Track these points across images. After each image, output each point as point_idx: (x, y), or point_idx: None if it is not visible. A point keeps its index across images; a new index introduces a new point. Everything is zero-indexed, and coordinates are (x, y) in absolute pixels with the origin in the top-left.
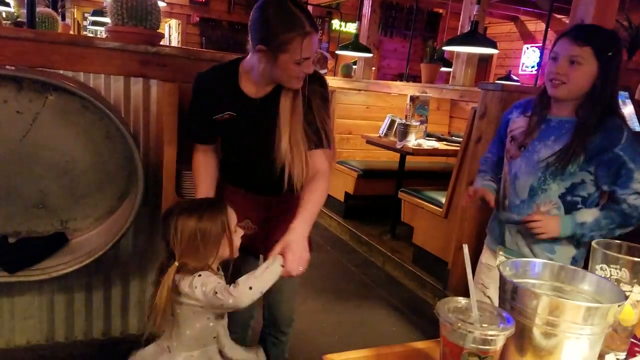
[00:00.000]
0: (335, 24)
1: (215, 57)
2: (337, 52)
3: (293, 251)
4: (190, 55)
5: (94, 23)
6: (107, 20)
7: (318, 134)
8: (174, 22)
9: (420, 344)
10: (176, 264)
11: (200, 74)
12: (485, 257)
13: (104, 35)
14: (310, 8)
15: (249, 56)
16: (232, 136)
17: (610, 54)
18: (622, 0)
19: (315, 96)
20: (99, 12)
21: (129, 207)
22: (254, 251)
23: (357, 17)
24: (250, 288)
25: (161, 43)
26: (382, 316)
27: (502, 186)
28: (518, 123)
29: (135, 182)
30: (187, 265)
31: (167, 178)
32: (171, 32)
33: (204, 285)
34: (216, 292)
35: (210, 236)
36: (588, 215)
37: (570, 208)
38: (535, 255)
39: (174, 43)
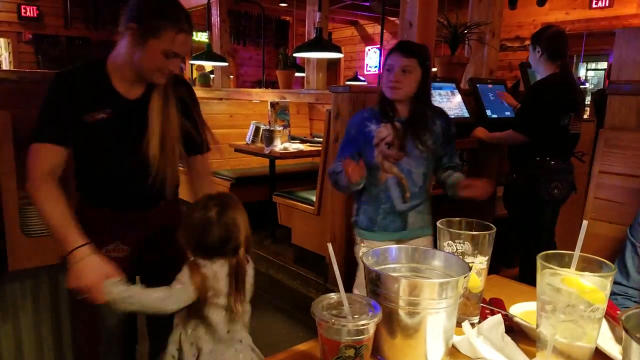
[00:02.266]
0: None
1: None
2: (191, 61)
3: None
4: (22, 78)
5: None
6: None
7: (201, 138)
8: (2, 41)
9: (302, 346)
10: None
11: (60, 72)
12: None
13: None
14: None
15: (117, 45)
16: (102, 141)
17: (427, 62)
18: (440, 3)
19: (188, 99)
20: None
21: None
22: (128, 275)
23: (207, 27)
24: None
25: None
26: (271, 321)
27: (397, 184)
28: (384, 132)
29: None
30: (248, 252)
31: (9, 217)
32: (0, 52)
33: None
34: None
35: None
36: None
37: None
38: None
39: (5, 64)
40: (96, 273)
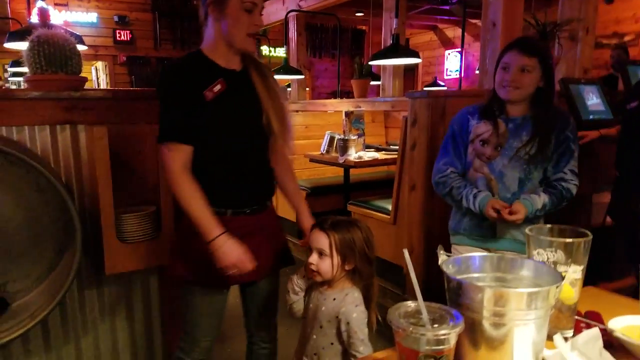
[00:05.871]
0: (265, 50)
1: (144, 94)
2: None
3: None
4: (117, 96)
5: (15, 74)
6: (26, 70)
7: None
8: (100, 64)
9: (379, 354)
10: None
11: (168, 65)
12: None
13: (24, 86)
14: None
15: (204, 33)
16: (224, 117)
17: (550, 61)
18: (527, 1)
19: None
20: (17, 63)
21: (69, 260)
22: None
23: (285, 42)
24: None
25: (88, 86)
26: None
27: (486, 186)
28: (482, 128)
29: (73, 234)
30: None
31: (106, 225)
32: (99, 74)
33: None
34: None
35: None
36: (539, 202)
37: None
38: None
39: (103, 84)
40: (237, 253)
